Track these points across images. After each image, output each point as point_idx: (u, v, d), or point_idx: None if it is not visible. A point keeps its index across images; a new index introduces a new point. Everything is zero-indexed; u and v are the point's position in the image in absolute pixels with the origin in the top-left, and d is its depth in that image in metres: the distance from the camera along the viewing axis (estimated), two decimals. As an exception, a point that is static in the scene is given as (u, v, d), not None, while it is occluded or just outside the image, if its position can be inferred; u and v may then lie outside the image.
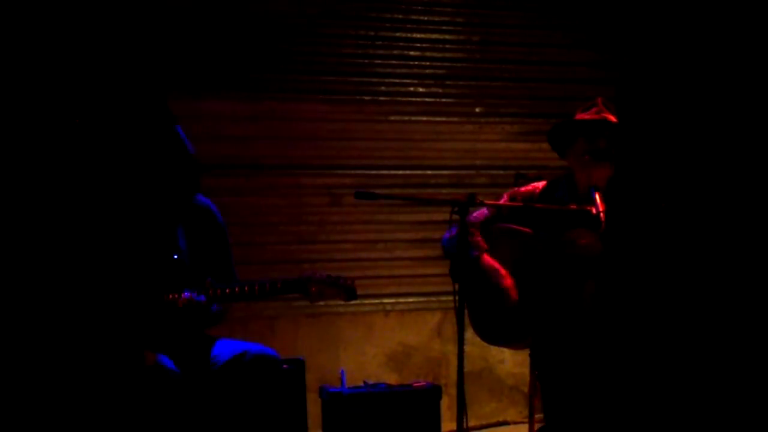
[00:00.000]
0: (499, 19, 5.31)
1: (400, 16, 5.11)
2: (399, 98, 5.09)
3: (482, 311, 3.39)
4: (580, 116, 3.39)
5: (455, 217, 3.15)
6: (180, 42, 4.64)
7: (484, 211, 3.50)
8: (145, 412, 2.87)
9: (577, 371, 3.09)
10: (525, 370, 4.14)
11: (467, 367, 2.96)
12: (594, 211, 3.11)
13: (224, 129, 4.72)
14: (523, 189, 3.52)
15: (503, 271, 3.35)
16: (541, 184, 3.52)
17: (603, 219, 3.09)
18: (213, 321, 3.22)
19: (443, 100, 5.16)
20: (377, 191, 3.42)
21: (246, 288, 3.06)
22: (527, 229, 3.40)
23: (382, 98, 5.06)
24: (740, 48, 5.26)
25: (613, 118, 3.36)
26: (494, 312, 3.34)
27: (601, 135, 3.31)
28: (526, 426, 3.67)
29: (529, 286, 3.31)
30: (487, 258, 3.39)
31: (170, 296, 3.03)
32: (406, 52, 5.11)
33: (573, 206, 3.30)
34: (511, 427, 4.92)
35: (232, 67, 4.74)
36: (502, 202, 3.51)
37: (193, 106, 4.54)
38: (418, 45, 5.13)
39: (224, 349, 3.14)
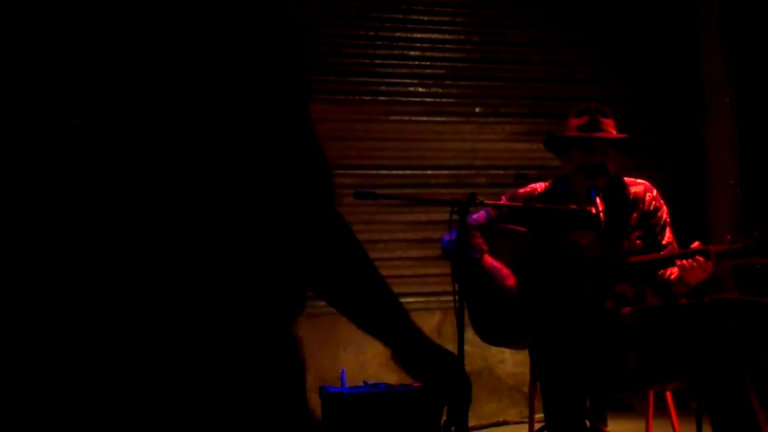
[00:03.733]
0: (499, 19, 5.32)
1: (400, 16, 5.11)
2: (399, 98, 5.09)
3: (483, 311, 3.39)
4: (573, 123, 3.35)
5: (455, 217, 3.15)
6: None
7: (484, 213, 3.50)
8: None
9: (577, 371, 3.09)
10: (525, 370, 4.14)
11: (467, 367, 2.94)
12: (594, 211, 3.11)
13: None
14: (521, 190, 3.52)
15: (506, 271, 3.34)
16: (539, 185, 3.51)
17: (603, 219, 3.09)
18: None
19: (443, 100, 5.17)
20: (377, 191, 3.43)
21: None
22: (526, 230, 3.40)
23: (382, 98, 5.06)
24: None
25: (611, 130, 3.31)
26: (496, 312, 3.34)
27: (596, 149, 3.28)
28: (526, 426, 3.67)
29: (529, 287, 3.31)
30: (488, 259, 3.38)
31: None
32: (406, 52, 5.12)
33: (573, 206, 3.30)
34: (511, 427, 4.92)
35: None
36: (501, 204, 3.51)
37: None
38: (418, 45, 5.14)
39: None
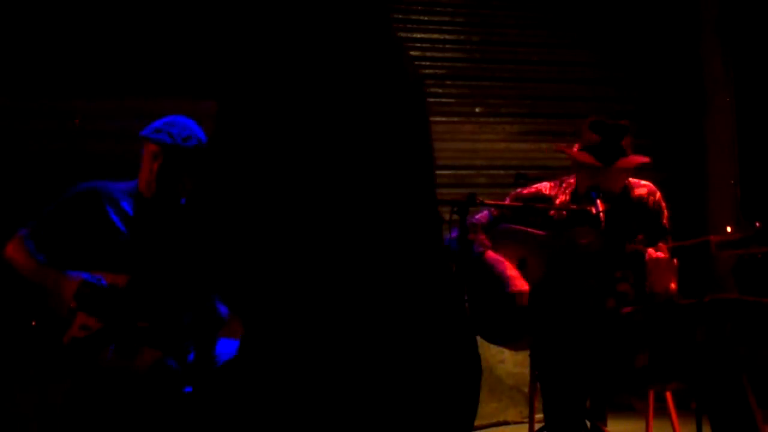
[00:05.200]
0: (499, 19, 5.32)
1: (400, 16, 5.11)
2: (399, 98, 5.08)
3: (486, 306, 3.38)
4: (589, 137, 3.30)
5: (455, 217, 3.15)
6: (180, 43, 4.64)
7: (486, 214, 3.50)
8: (143, 407, 2.87)
9: (578, 371, 3.09)
10: (525, 370, 4.14)
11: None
12: (594, 211, 3.11)
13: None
14: (525, 191, 3.52)
15: (508, 263, 3.33)
16: (544, 185, 3.51)
17: (603, 219, 3.09)
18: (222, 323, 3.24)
19: (443, 100, 5.17)
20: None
21: None
22: (529, 229, 3.40)
23: (382, 98, 5.06)
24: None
25: (627, 149, 3.27)
26: (499, 308, 3.32)
27: (604, 175, 3.25)
28: (526, 426, 3.67)
29: (530, 286, 3.31)
30: (491, 253, 3.37)
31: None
32: (406, 52, 5.11)
33: (573, 206, 3.30)
34: (511, 427, 4.92)
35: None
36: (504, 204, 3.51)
37: (193, 107, 4.54)
38: (418, 45, 5.14)
39: (225, 348, 3.15)
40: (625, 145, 3.26)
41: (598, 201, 3.16)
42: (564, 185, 3.47)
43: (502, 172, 5.12)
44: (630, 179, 3.39)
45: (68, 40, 4.46)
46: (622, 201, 3.34)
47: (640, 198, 3.35)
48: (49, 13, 4.44)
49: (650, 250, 3.08)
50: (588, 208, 3.15)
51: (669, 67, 5.52)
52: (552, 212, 3.39)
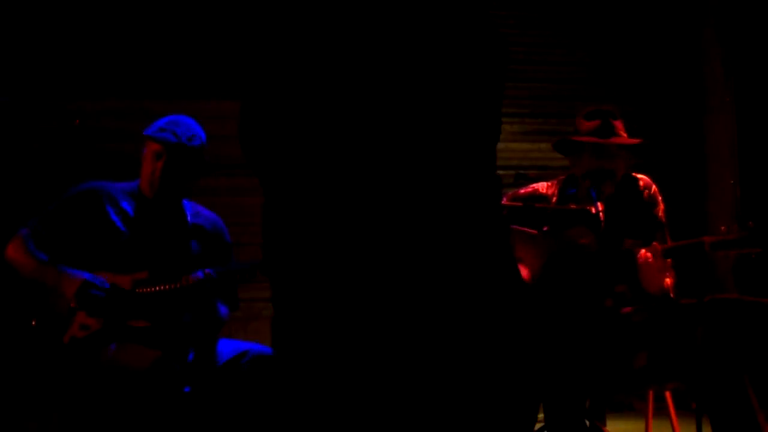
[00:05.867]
0: (499, 20, 5.31)
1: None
2: (399, 98, 5.08)
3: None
4: (585, 126, 3.33)
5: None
6: (180, 44, 4.65)
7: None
8: (143, 407, 2.88)
9: (577, 371, 3.09)
10: (525, 370, 4.14)
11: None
12: (593, 211, 3.11)
13: (224, 129, 4.71)
14: (522, 191, 3.52)
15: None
16: (541, 185, 3.51)
17: (602, 219, 3.10)
18: (221, 323, 3.25)
19: (443, 100, 5.16)
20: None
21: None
22: (530, 230, 3.40)
23: (382, 98, 5.06)
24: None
25: (622, 133, 3.30)
26: None
27: (608, 154, 3.27)
28: (526, 426, 3.67)
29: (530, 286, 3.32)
30: None
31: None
32: (406, 52, 5.11)
33: (572, 206, 3.30)
34: (511, 426, 4.91)
35: (232, 69, 4.74)
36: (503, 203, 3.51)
37: (193, 107, 4.55)
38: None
39: (225, 348, 3.16)
40: (619, 127, 3.30)
41: (599, 203, 3.16)
42: (560, 185, 3.48)
43: (502, 172, 5.05)
44: (632, 173, 3.40)
45: (70, 40, 4.46)
46: (628, 190, 3.34)
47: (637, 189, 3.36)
48: (51, 13, 4.44)
49: (642, 251, 3.09)
50: (588, 207, 3.15)
51: (669, 67, 5.52)
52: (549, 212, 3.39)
